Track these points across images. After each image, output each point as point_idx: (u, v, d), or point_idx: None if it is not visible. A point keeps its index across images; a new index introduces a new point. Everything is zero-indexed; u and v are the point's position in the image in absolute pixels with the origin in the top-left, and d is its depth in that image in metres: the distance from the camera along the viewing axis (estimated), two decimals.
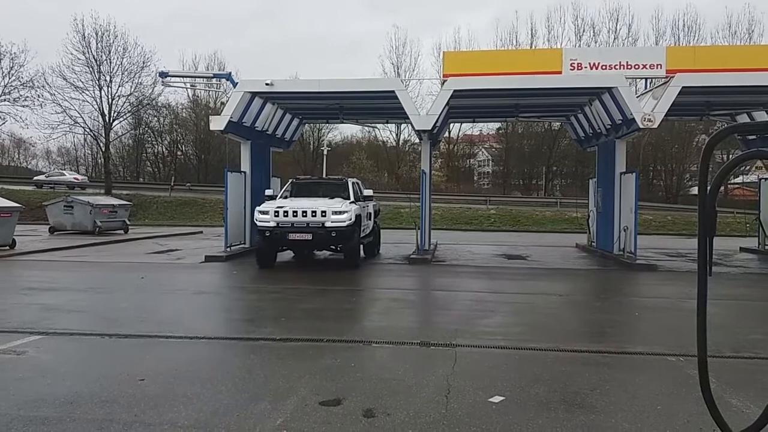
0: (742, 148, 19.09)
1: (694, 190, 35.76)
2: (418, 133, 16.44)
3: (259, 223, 12.69)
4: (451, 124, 42.86)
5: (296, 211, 12.41)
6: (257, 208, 12.96)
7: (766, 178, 19.68)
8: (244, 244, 16.23)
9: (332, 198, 13.29)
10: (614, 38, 41.04)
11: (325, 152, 30.77)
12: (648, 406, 4.77)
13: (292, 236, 12.33)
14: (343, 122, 22.42)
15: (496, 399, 4.84)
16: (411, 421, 4.36)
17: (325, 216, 12.35)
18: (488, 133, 54.36)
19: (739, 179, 40.31)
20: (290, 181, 15.11)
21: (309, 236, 12.27)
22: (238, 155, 17.55)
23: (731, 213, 28.90)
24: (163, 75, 20.67)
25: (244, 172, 16.58)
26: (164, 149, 49.64)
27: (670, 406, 4.74)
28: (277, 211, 12.49)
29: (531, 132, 46.86)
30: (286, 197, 13.80)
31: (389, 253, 16.66)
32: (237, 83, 17.10)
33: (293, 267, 14.10)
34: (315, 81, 16.18)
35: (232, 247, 15.38)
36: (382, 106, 17.71)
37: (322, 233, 12.29)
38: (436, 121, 15.32)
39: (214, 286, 11.63)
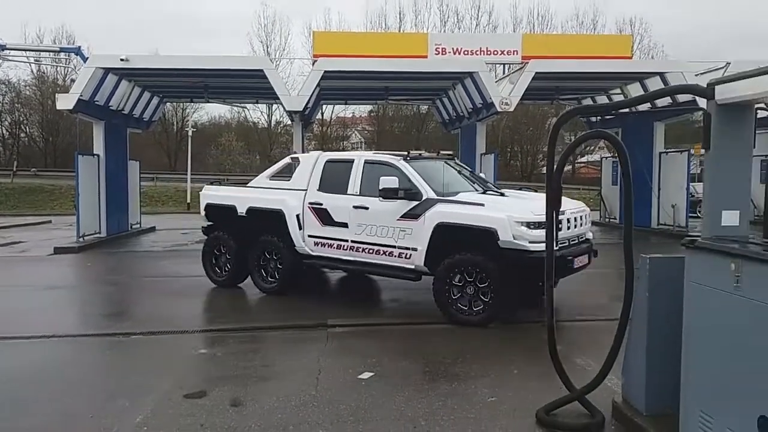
0: (587, 130, 20.95)
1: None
2: (290, 114, 16.18)
3: (533, 247, 6.42)
4: (324, 106, 42.65)
5: (571, 219, 7.14)
6: (514, 218, 6.57)
7: (607, 157, 21.78)
8: (100, 233, 15.00)
9: (486, 192, 7.83)
10: (476, 25, 42.91)
11: (190, 133, 29.18)
12: (505, 370, 5.13)
13: (578, 262, 7.09)
14: (208, 101, 21.42)
15: (366, 375, 4.94)
16: (280, 406, 4.32)
17: (585, 222, 7.69)
18: (361, 116, 54.78)
19: (584, 159, 44.33)
20: (403, 156, 7.79)
21: (587, 259, 7.40)
22: (92, 137, 16.15)
23: (577, 189, 31.70)
24: (1, 48, 18.40)
25: (97, 155, 15.28)
26: (4, 131, 44.28)
27: (524, 370, 5.13)
28: (565, 220, 6.95)
29: (401, 115, 47.89)
30: (413, 192, 7.25)
31: None
32: (88, 58, 15.67)
33: (144, 257, 13.31)
34: (177, 57, 15.34)
35: (85, 237, 14.16)
36: (250, 85, 17.16)
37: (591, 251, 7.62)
38: (308, 102, 15.14)
39: (66, 279, 10.66)
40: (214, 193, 9.18)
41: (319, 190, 7.98)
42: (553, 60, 15.46)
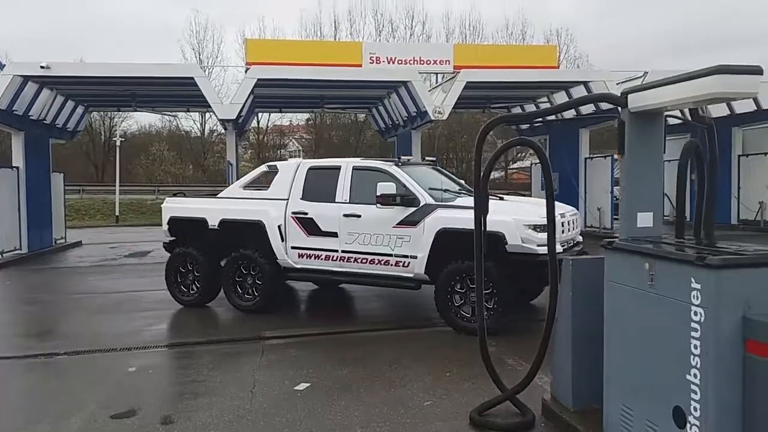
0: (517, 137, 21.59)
1: None
2: (223, 122, 15.88)
3: (541, 250, 6.23)
4: (260, 114, 42.04)
5: (567, 223, 7.05)
6: (523, 221, 6.46)
7: (536, 163, 22.53)
8: (20, 249, 14.17)
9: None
10: (411, 34, 43.51)
11: (119, 143, 28.03)
12: (440, 374, 5.20)
13: None
14: (136, 110, 20.74)
15: (302, 386, 4.89)
16: (213, 422, 4.21)
17: (577, 225, 7.65)
18: (298, 124, 54.41)
19: (516, 165, 45.78)
20: (394, 162, 7.68)
21: None
22: (11, 148, 15.29)
23: (509, 194, 32.64)
24: None
25: (17, 168, 14.45)
26: None
27: (458, 372, 5.22)
28: (563, 223, 6.77)
29: (339, 123, 47.89)
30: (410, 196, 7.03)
31: None
32: (5, 65, 14.85)
33: (70, 273, 12.71)
34: (102, 65, 14.74)
35: (3, 254, 13.36)
36: (181, 93, 16.74)
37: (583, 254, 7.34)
38: (241, 110, 14.90)
39: None
40: (179, 206, 8.51)
41: (302, 199, 7.62)
42: (483, 70, 15.89)
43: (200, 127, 45.11)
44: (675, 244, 3.50)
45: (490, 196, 7.67)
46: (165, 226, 8.43)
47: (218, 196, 8.68)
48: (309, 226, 7.51)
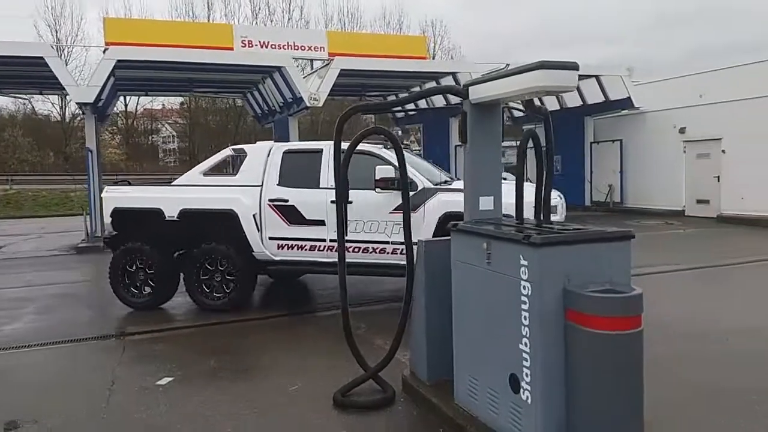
0: (393, 126, 22.15)
1: None
2: (80, 106, 14.79)
3: None
4: (128, 98, 39.45)
5: (559, 206, 7.42)
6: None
7: (413, 151, 23.26)
8: None
9: None
10: (289, 19, 42.81)
11: None
12: (310, 358, 5.30)
13: None
14: None
15: (164, 381, 4.76)
16: (65, 423, 4.01)
17: (564, 210, 7.86)
18: (171, 108, 51.71)
19: None
20: (383, 144, 7.20)
21: None
22: None
23: None
24: None
25: None
26: None
27: (328, 356, 5.33)
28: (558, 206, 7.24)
29: (216, 108, 46.19)
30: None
31: (56, 243, 14.73)
32: None
33: None
34: None
35: None
36: (32, 74, 15.34)
37: None
38: (100, 94, 13.94)
39: None
40: (125, 195, 7.45)
41: (280, 185, 7.06)
42: (357, 58, 16.07)
43: (60, 111, 41.56)
44: (513, 225, 3.82)
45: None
46: (107, 219, 7.42)
47: (174, 183, 7.83)
48: (290, 214, 6.98)
